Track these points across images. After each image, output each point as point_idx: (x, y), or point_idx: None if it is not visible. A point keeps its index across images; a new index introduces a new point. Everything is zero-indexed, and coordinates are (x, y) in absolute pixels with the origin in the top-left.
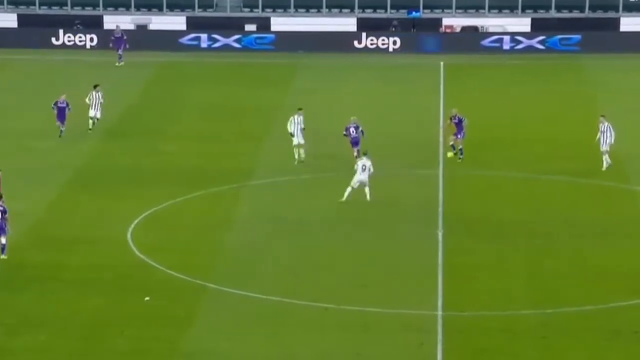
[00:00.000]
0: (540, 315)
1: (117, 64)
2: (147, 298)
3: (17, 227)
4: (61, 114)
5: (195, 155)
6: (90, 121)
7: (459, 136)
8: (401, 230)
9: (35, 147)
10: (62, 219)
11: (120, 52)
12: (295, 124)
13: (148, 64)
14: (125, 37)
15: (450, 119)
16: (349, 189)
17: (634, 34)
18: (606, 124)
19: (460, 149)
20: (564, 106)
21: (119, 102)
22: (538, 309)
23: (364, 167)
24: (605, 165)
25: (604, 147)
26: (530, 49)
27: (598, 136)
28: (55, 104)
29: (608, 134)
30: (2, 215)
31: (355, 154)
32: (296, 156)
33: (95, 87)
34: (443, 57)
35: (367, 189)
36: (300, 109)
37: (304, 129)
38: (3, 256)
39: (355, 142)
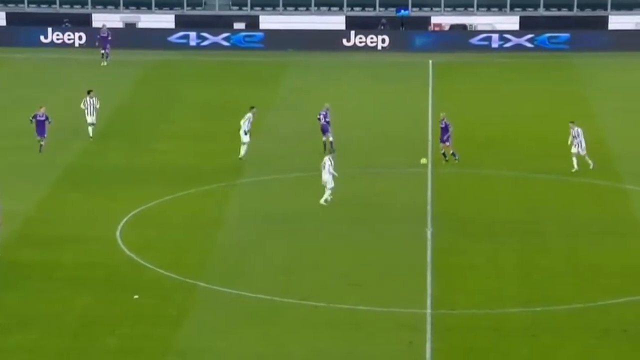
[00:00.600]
0: (530, 314)
1: (103, 64)
2: (136, 296)
3: (8, 225)
4: (40, 127)
5: (184, 154)
6: (90, 128)
7: (447, 143)
8: (391, 228)
9: (25, 145)
10: (53, 217)
11: (106, 51)
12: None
13: (137, 63)
14: (110, 38)
15: (440, 122)
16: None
17: (622, 32)
18: (576, 129)
19: (452, 153)
20: (553, 104)
21: (109, 101)
22: (528, 307)
23: (323, 166)
24: (575, 166)
25: (580, 151)
26: (518, 47)
27: (570, 140)
28: (34, 117)
29: (581, 138)
30: None
31: (323, 138)
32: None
33: (89, 92)
34: (432, 56)
35: (327, 191)
36: (253, 107)
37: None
38: None
39: (324, 129)
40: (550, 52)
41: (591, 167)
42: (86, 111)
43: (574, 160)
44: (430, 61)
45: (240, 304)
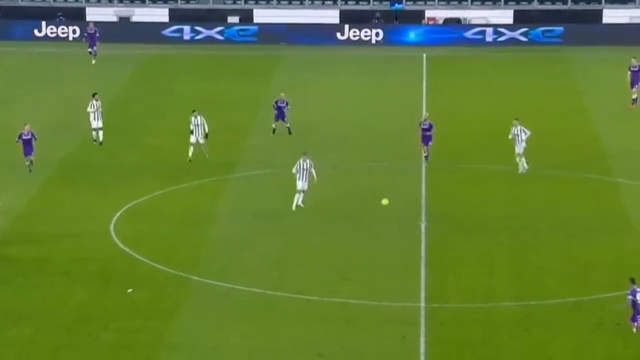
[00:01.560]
0: (523, 308)
1: (93, 62)
2: (129, 290)
3: (0, 221)
4: (27, 147)
5: (177, 149)
6: (94, 133)
7: (430, 143)
8: (384, 222)
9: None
10: (46, 213)
11: (94, 49)
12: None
13: (131, 57)
14: (98, 35)
15: (420, 124)
16: (296, 195)
17: (616, 26)
18: (519, 127)
19: (427, 155)
20: (546, 99)
21: (102, 95)
22: (521, 301)
23: (303, 171)
24: (521, 169)
25: (519, 150)
26: (513, 41)
27: (510, 137)
28: (20, 136)
29: (522, 137)
30: None
31: (273, 126)
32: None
33: (94, 95)
34: (426, 49)
35: (301, 197)
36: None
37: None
38: None
39: (281, 116)
40: (544, 46)
41: (520, 170)
42: (92, 115)
43: (519, 160)
44: (425, 55)
45: (233, 298)
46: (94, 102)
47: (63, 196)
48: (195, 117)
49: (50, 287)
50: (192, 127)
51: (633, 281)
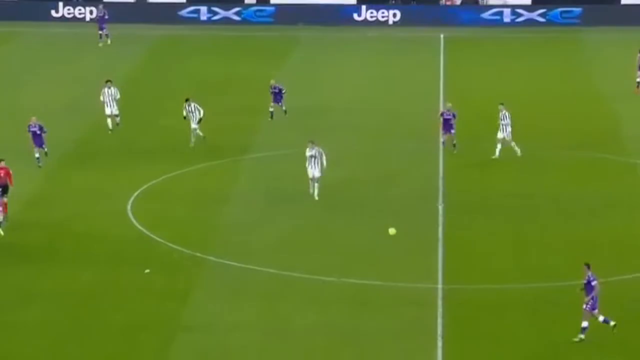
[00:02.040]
0: (535, 289)
1: (99, 44)
2: (147, 270)
3: (15, 202)
4: (36, 139)
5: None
6: (109, 120)
7: (452, 131)
8: (401, 203)
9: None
10: (61, 193)
11: (104, 31)
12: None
13: (147, 37)
14: (107, 17)
15: (442, 114)
16: (310, 183)
17: (635, 7)
18: (504, 112)
19: (454, 144)
20: (563, 80)
21: (118, 76)
22: (531, 283)
23: (313, 159)
24: (497, 153)
25: (505, 136)
26: (530, 22)
27: (499, 123)
28: (28, 128)
29: (508, 122)
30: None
31: (271, 109)
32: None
33: (107, 82)
34: (443, 30)
35: (316, 185)
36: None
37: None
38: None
39: (275, 99)
40: (562, 27)
41: (518, 154)
42: (105, 103)
43: (498, 146)
44: (442, 36)
45: (248, 278)
46: (106, 89)
47: (79, 177)
48: (189, 104)
49: (65, 268)
50: (185, 113)
51: (589, 267)
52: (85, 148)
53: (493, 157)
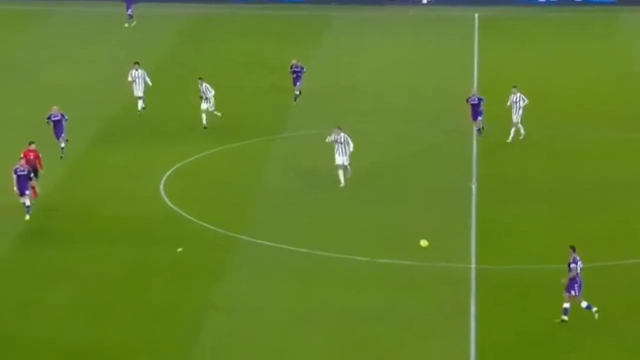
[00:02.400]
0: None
1: (126, 25)
2: (179, 249)
3: (48, 182)
4: (58, 128)
5: (226, 108)
6: (140, 102)
7: (479, 118)
8: (434, 183)
9: (64, 100)
10: (93, 172)
11: (130, 11)
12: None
13: (179, 16)
14: None
15: (467, 100)
16: (339, 172)
17: None
18: (518, 94)
19: (479, 128)
20: (599, 61)
21: (150, 56)
22: (565, 264)
23: (340, 146)
24: (511, 137)
25: (514, 118)
26: (566, 1)
27: (508, 104)
28: (49, 117)
29: (520, 104)
30: (26, 178)
31: (296, 92)
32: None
33: (134, 64)
34: (477, 10)
35: (341, 172)
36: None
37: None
38: (27, 217)
39: (295, 81)
40: (599, 6)
41: (521, 137)
42: (134, 84)
43: (513, 130)
44: (476, 15)
45: (281, 258)
46: (134, 71)
47: (111, 157)
48: (201, 84)
49: (97, 246)
50: (200, 93)
51: (574, 249)
52: (117, 128)
53: (507, 140)
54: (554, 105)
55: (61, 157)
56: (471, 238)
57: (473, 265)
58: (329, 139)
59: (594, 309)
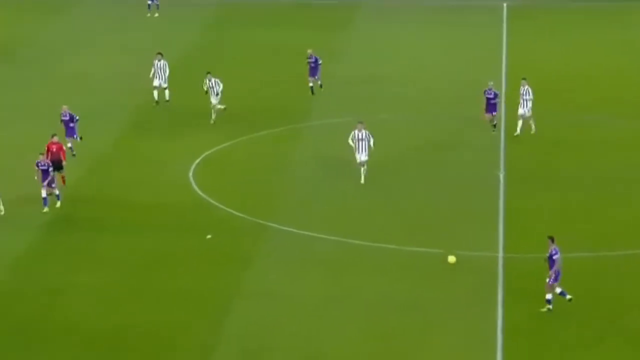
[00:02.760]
0: (597, 259)
1: (148, 15)
2: (208, 236)
3: (78, 169)
4: (67, 128)
5: (253, 98)
6: (155, 92)
7: (493, 113)
8: (462, 172)
9: (93, 88)
10: (122, 159)
11: (155, 1)
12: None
13: (208, 4)
14: None
15: (484, 92)
16: (361, 169)
17: None
18: (526, 87)
19: (494, 124)
20: (625, 51)
21: (178, 44)
22: (592, 252)
23: (361, 143)
24: (519, 130)
25: (525, 112)
26: None
27: (520, 98)
28: (60, 117)
29: (526, 97)
30: (46, 169)
31: (310, 84)
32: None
33: (157, 54)
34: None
35: (363, 169)
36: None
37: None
38: (59, 203)
39: (312, 72)
40: None
41: (532, 131)
42: (154, 74)
43: (519, 122)
44: (505, 5)
45: (310, 246)
46: (156, 62)
47: (140, 144)
48: (209, 79)
49: (126, 233)
50: (205, 88)
51: (553, 240)
52: (146, 117)
53: (515, 134)
54: (581, 94)
55: (73, 155)
56: (498, 226)
57: (500, 254)
58: (350, 138)
59: (568, 297)
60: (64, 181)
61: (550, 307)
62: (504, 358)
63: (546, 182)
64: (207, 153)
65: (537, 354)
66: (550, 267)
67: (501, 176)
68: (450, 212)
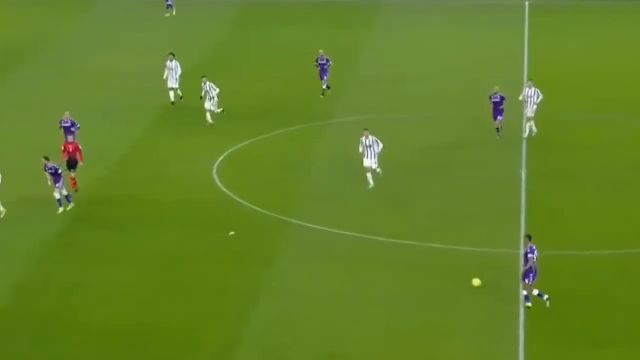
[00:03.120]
0: (618, 256)
1: (166, 15)
2: (231, 233)
3: (102, 166)
4: (67, 134)
5: (275, 96)
6: (171, 93)
7: (499, 118)
8: (484, 169)
9: (116, 86)
10: (146, 156)
11: (170, 1)
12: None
13: (229, 3)
14: None
15: (490, 97)
16: (368, 175)
17: None
18: (533, 89)
19: (498, 128)
20: None
21: (202, 42)
22: (617, 249)
23: (369, 149)
24: (527, 132)
25: (528, 113)
26: None
27: (521, 98)
28: (60, 123)
29: (535, 100)
30: (55, 172)
31: (324, 86)
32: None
33: (169, 55)
34: None
35: (369, 175)
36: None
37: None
38: (71, 205)
39: (322, 74)
40: None
41: (533, 134)
42: (169, 76)
43: (527, 125)
44: (527, 3)
45: (332, 242)
46: (168, 62)
47: (165, 141)
48: (205, 83)
49: (150, 230)
50: (203, 93)
51: (530, 238)
52: (170, 114)
53: (524, 136)
54: (602, 93)
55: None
56: (521, 224)
57: (522, 251)
58: (361, 147)
59: (545, 297)
60: (74, 183)
61: (529, 304)
62: (526, 355)
63: (568, 181)
64: (231, 150)
65: (560, 352)
66: (525, 264)
67: (523, 174)
68: (471, 209)
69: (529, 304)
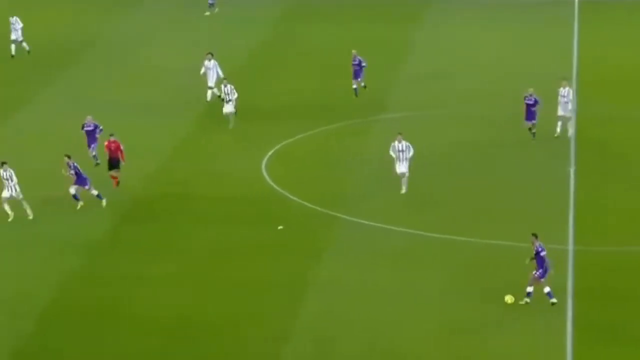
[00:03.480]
0: None
1: (206, 13)
2: (280, 227)
3: (151, 162)
4: (90, 138)
5: (321, 92)
6: (209, 92)
7: (533, 121)
8: (532, 166)
9: (164, 82)
10: (195, 152)
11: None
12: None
13: (274, 1)
14: None
15: (524, 98)
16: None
17: None
18: (567, 88)
19: (533, 132)
20: None
21: (246, 40)
22: None
23: (402, 154)
24: (559, 131)
25: (565, 113)
26: None
27: (558, 99)
28: (82, 127)
29: (569, 99)
30: (75, 171)
31: (354, 86)
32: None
33: (207, 54)
34: None
35: (404, 180)
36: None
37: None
38: (103, 202)
39: (355, 74)
40: None
41: (569, 134)
42: (206, 75)
43: (559, 123)
44: (577, 0)
45: (380, 237)
46: (206, 62)
47: (212, 136)
48: (225, 85)
49: (200, 224)
50: (223, 95)
51: (536, 237)
52: (218, 111)
53: (555, 135)
54: None
55: (97, 164)
56: (569, 220)
57: (570, 247)
58: (391, 149)
59: (553, 300)
60: (117, 183)
61: (529, 300)
62: (575, 351)
63: (617, 176)
64: (279, 146)
65: (609, 348)
66: (540, 264)
67: (571, 171)
68: (520, 205)
69: (554, 300)
